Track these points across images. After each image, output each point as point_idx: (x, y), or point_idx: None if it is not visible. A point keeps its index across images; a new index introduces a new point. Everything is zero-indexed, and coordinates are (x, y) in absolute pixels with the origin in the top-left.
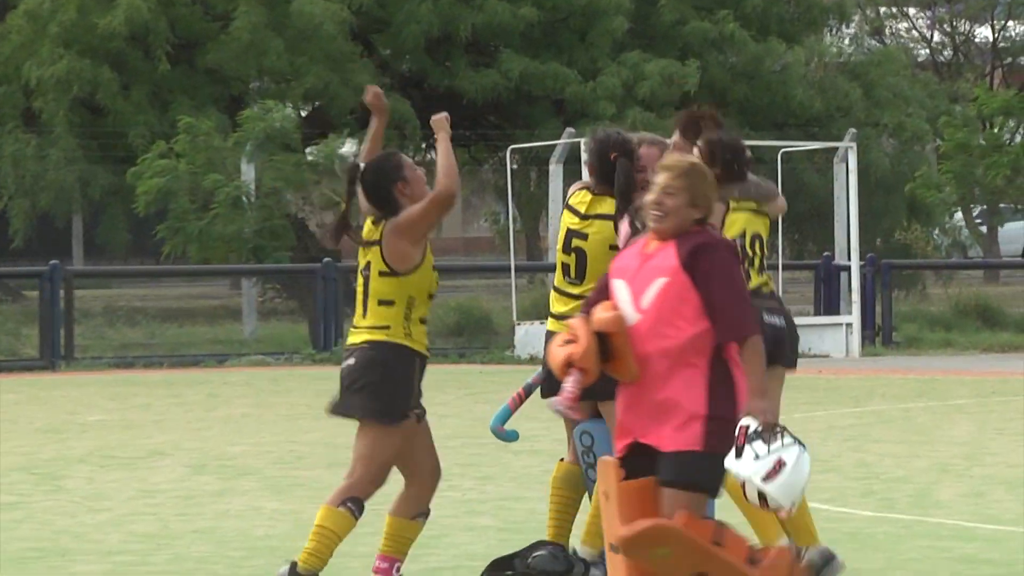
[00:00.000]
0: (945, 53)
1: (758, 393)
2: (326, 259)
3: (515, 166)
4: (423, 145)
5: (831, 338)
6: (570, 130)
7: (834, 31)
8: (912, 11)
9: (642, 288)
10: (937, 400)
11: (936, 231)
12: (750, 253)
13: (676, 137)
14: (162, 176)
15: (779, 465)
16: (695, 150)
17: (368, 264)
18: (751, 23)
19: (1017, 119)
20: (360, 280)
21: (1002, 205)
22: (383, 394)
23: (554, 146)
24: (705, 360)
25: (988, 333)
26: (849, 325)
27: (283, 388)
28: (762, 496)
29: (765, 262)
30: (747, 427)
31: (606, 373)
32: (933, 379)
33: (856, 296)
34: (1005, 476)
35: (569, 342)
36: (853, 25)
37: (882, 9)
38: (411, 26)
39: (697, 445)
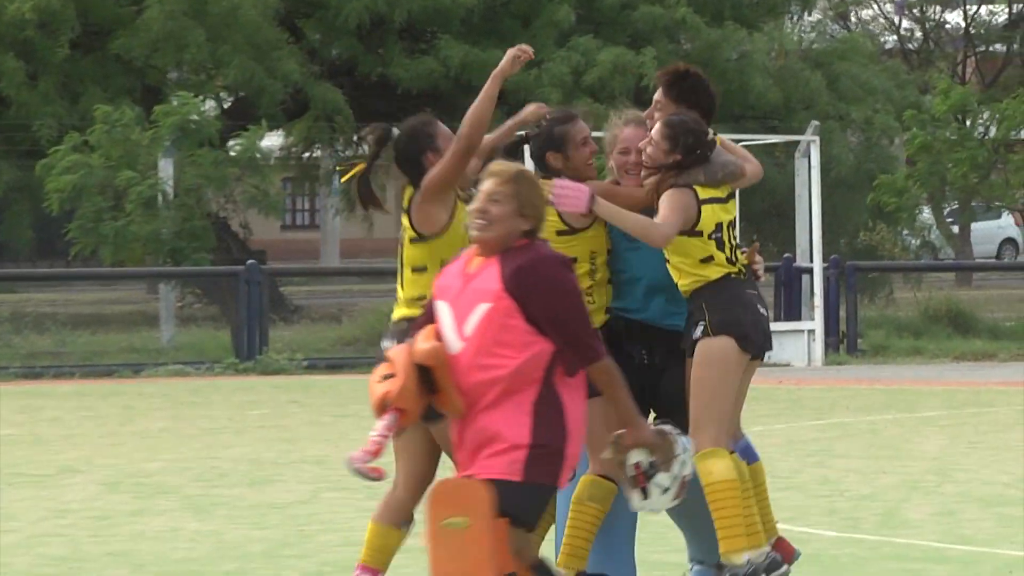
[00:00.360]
0: (915, 40)
1: (635, 421)
2: (250, 261)
3: None
4: (354, 137)
5: (792, 346)
6: None
7: (796, 18)
8: None
9: (465, 313)
10: (905, 412)
11: (904, 230)
12: (728, 242)
13: (659, 95)
14: (74, 172)
15: (684, 482)
16: (653, 132)
17: (403, 231)
18: (705, 9)
19: (991, 112)
20: (398, 249)
21: (974, 203)
22: None
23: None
24: (534, 388)
25: (960, 340)
26: (811, 332)
27: (203, 400)
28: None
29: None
30: (639, 464)
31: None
32: (901, 389)
33: (819, 301)
34: (978, 493)
35: (388, 377)
36: (816, 12)
37: None
38: (350, 5)
39: (516, 475)
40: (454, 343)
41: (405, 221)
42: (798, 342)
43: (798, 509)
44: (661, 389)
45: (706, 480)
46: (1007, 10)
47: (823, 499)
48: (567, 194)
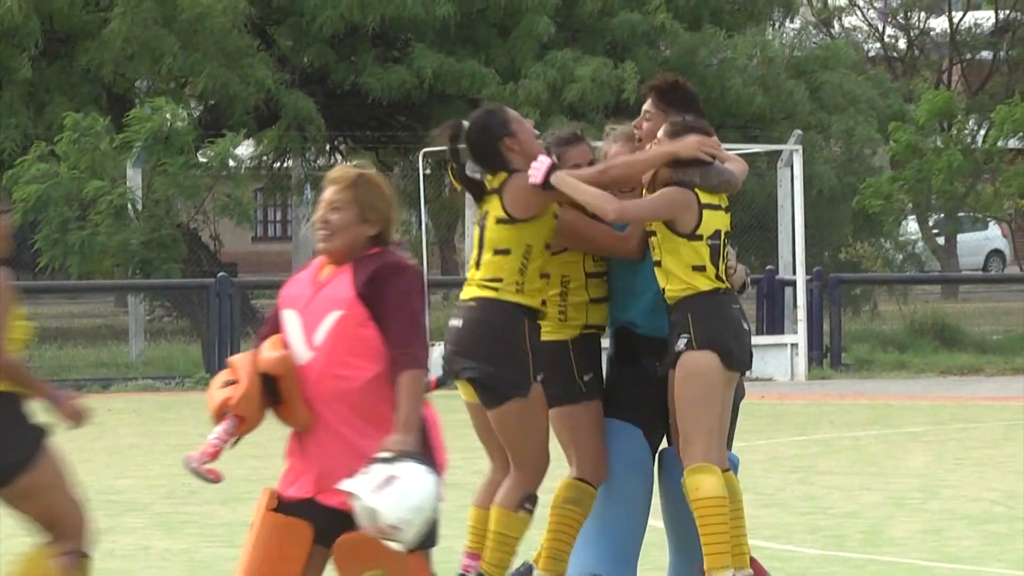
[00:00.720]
0: (899, 47)
1: (404, 428)
2: (221, 273)
3: (428, 171)
4: (327, 147)
5: (775, 360)
6: None
7: (778, 24)
8: (862, 1)
9: (315, 322)
10: (890, 428)
11: (888, 243)
12: (722, 255)
13: (649, 105)
14: (41, 181)
15: (389, 479)
16: (660, 132)
17: (486, 214)
18: (684, 15)
19: (978, 119)
20: (476, 231)
21: (961, 214)
22: (502, 362)
23: None
24: (390, 398)
25: (946, 354)
26: (794, 346)
27: (174, 415)
28: (382, 524)
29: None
30: (374, 457)
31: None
32: (886, 405)
33: (802, 314)
34: (965, 510)
35: (231, 383)
36: (798, 18)
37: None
38: (327, 12)
39: None
40: (303, 353)
41: (492, 203)
42: (781, 356)
43: (781, 527)
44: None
45: (693, 496)
46: (993, 17)
47: (806, 516)
48: (535, 167)
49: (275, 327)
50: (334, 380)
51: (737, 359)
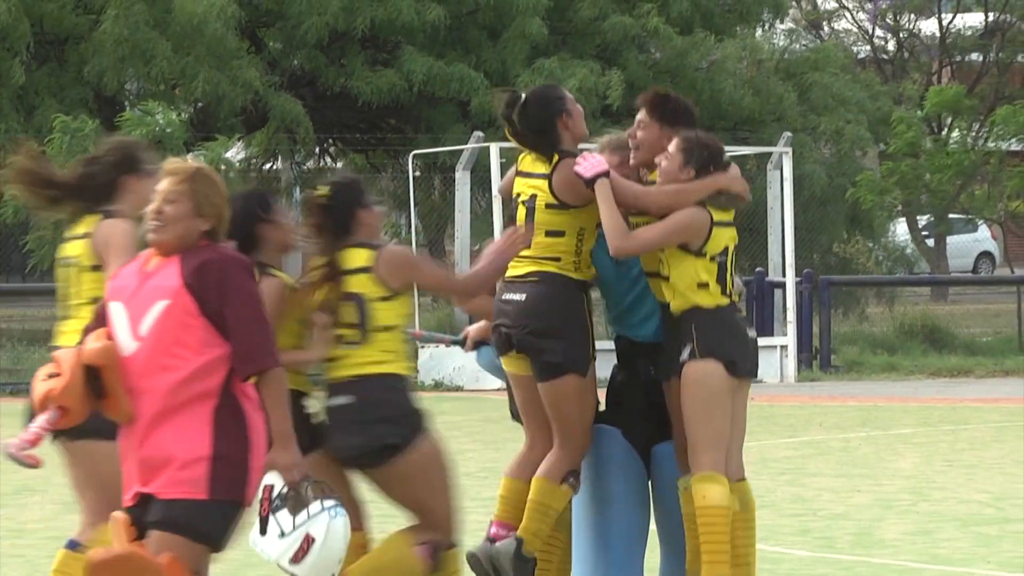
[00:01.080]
0: (888, 49)
1: (283, 442)
2: None
3: (417, 173)
4: (316, 150)
5: (764, 362)
6: (478, 134)
7: (767, 26)
8: (851, 3)
9: (141, 312)
10: (880, 430)
11: (878, 246)
12: (729, 269)
13: (643, 116)
14: None
15: (307, 543)
16: (670, 146)
17: (534, 196)
18: (676, 19)
19: (968, 120)
20: (523, 211)
21: (952, 216)
22: (567, 336)
23: (460, 152)
24: (213, 394)
25: (935, 356)
26: (784, 348)
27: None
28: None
29: None
30: (271, 489)
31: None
32: (875, 406)
33: (792, 316)
34: (955, 512)
35: (54, 376)
36: (788, 20)
37: (819, 1)
38: (313, 18)
39: (200, 492)
40: (128, 344)
41: (543, 186)
42: (770, 358)
43: (770, 528)
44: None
45: (699, 503)
46: (983, 19)
47: (796, 518)
48: (590, 162)
49: (103, 321)
50: (160, 371)
51: (741, 366)
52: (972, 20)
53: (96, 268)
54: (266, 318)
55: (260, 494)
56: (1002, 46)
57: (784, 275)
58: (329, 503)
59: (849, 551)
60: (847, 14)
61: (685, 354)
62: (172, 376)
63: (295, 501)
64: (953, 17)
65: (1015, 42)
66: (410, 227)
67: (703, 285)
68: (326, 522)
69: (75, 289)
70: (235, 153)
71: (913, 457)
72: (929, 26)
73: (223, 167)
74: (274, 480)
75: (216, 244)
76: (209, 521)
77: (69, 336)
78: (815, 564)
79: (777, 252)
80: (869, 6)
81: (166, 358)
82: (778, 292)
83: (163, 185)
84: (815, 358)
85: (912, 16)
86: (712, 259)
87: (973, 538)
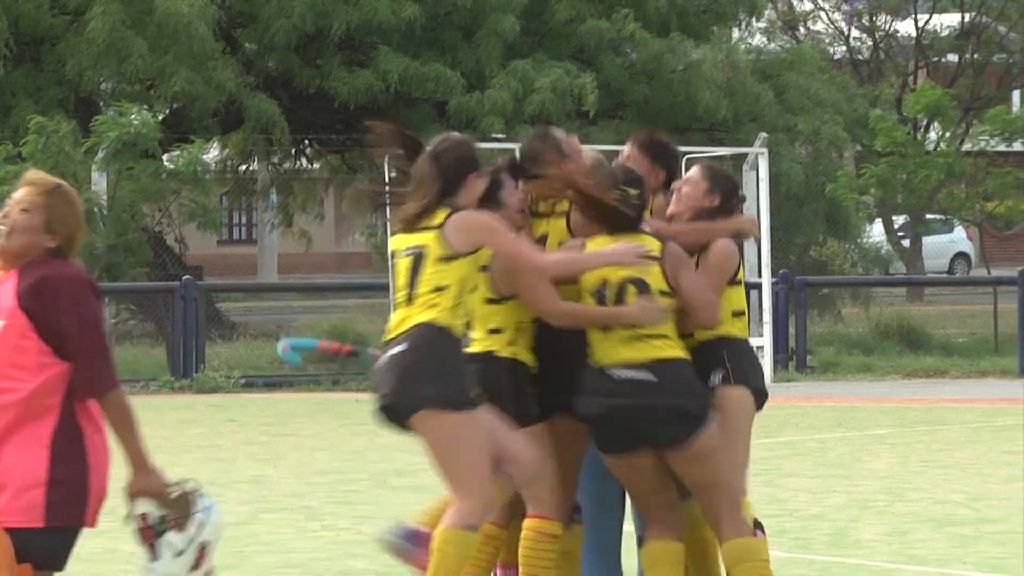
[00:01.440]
0: (864, 51)
1: (139, 465)
2: (186, 277)
3: (393, 174)
4: (292, 151)
5: None
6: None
7: (743, 26)
8: (827, 4)
9: None
10: (856, 430)
11: (853, 247)
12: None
13: (630, 150)
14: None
15: (203, 550)
16: (692, 172)
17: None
18: (652, 22)
19: (951, 121)
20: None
21: (929, 216)
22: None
23: None
24: (51, 417)
25: (911, 357)
26: (760, 348)
27: (139, 419)
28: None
29: None
30: (146, 517)
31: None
32: (851, 407)
33: (767, 317)
34: (930, 513)
35: None
36: (763, 20)
37: (795, 2)
38: (281, 21)
39: (37, 521)
40: None
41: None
42: None
43: None
44: None
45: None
46: (959, 20)
47: (772, 519)
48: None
49: None
50: None
51: (762, 396)
52: (948, 21)
53: None
54: (104, 338)
55: (136, 523)
56: (978, 47)
57: (760, 276)
58: (203, 504)
59: (825, 552)
60: (823, 15)
61: (717, 379)
62: (7, 399)
63: (178, 519)
64: (929, 18)
65: (991, 43)
66: (386, 228)
67: (739, 314)
68: (213, 523)
69: None
70: (210, 154)
71: (889, 458)
72: (905, 27)
73: (199, 169)
74: (145, 508)
75: (58, 261)
76: (47, 549)
77: None
78: (791, 565)
79: (753, 253)
80: (845, 7)
81: (1, 380)
82: (754, 293)
83: (19, 194)
84: (791, 359)
85: (888, 17)
86: (741, 285)
87: (948, 538)
